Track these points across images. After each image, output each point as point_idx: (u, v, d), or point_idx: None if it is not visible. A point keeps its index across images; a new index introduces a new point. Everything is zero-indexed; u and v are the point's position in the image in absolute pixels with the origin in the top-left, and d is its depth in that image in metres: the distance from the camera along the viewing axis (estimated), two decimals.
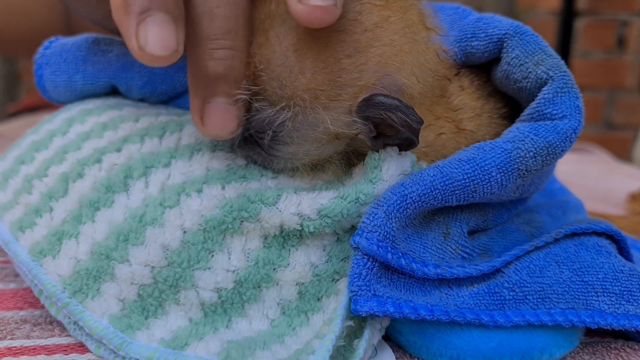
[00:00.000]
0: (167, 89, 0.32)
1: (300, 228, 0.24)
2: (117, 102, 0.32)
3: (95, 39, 0.33)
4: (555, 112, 0.26)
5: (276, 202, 0.25)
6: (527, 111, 0.27)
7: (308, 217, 0.24)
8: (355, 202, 0.24)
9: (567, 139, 0.26)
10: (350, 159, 0.27)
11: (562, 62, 0.28)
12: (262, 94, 0.24)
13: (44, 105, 0.79)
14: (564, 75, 0.27)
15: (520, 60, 0.28)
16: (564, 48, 1.65)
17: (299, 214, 0.24)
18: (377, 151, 0.25)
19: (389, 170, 0.25)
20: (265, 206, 0.24)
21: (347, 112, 0.24)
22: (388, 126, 0.24)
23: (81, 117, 0.30)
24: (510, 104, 0.31)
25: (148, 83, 0.32)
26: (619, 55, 1.76)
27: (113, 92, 0.34)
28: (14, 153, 0.31)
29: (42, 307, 0.27)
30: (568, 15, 1.67)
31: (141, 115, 0.30)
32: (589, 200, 0.57)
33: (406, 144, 0.25)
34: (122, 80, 0.32)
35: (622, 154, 1.81)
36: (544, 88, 0.26)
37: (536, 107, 0.26)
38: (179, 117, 0.30)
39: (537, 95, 0.27)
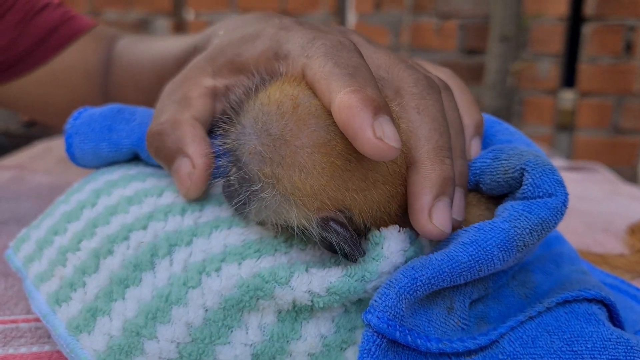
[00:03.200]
0: None
1: (311, 303, 0.27)
2: (140, 172, 0.34)
3: (119, 109, 0.35)
4: (541, 193, 0.28)
5: (289, 281, 0.27)
6: (517, 194, 0.29)
7: (318, 295, 0.27)
8: (362, 280, 0.27)
9: (558, 212, 0.29)
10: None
11: (521, 148, 0.30)
12: (257, 159, 0.26)
13: None
14: (531, 161, 0.29)
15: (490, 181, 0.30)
16: (572, 54, 1.66)
17: (309, 291, 0.27)
18: (326, 249, 0.27)
19: (390, 247, 0.27)
20: (279, 285, 0.27)
21: (307, 219, 0.26)
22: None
23: (108, 189, 0.33)
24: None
25: None
26: (626, 60, 1.76)
27: (135, 157, 0.36)
28: (47, 222, 0.34)
29: None
30: (575, 21, 1.67)
31: (164, 189, 0.32)
32: (590, 231, 0.58)
33: (344, 256, 0.27)
34: (143, 148, 0.34)
35: (630, 158, 1.82)
36: (523, 180, 0.29)
37: (523, 193, 0.29)
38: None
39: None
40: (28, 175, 0.69)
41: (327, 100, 0.26)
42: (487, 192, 0.31)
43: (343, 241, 0.26)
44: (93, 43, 0.62)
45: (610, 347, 0.28)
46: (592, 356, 0.27)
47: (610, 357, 0.27)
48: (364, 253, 0.26)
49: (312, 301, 0.27)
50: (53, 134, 1.05)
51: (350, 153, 0.25)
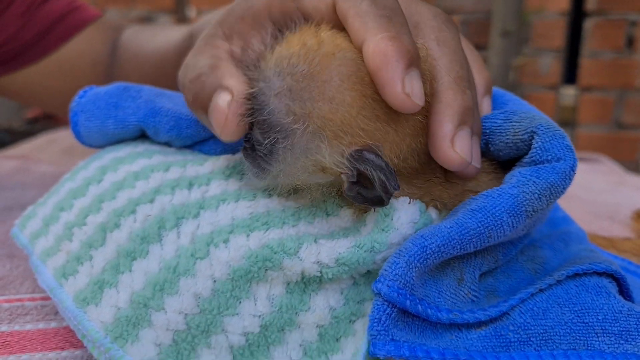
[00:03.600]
0: (192, 134, 0.35)
1: (319, 275, 0.27)
2: (146, 149, 0.34)
3: (125, 87, 0.35)
4: (550, 157, 0.28)
5: (297, 252, 0.27)
6: (524, 159, 0.29)
7: (327, 266, 0.26)
8: (371, 251, 0.26)
9: (567, 177, 0.28)
10: (331, 193, 0.29)
11: (533, 112, 0.30)
12: (285, 99, 0.25)
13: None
14: (542, 124, 0.28)
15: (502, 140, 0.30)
16: (573, 48, 1.66)
17: (318, 262, 0.26)
18: (353, 197, 0.27)
19: (399, 219, 0.27)
20: (288, 256, 0.27)
21: (340, 153, 0.26)
22: (368, 180, 0.26)
23: (114, 166, 0.33)
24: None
25: (174, 127, 0.34)
26: (628, 55, 1.75)
27: (142, 135, 0.36)
28: (53, 199, 0.33)
29: (82, 347, 0.29)
30: (577, 15, 1.67)
31: (170, 164, 0.32)
32: (596, 219, 0.58)
33: (375, 201, 0.26)
34: (150, 124, 0.34)
35: (632, 153, 1.82)
36: (532, 143, 0.28)
37: (531, 157, 0.28)
38: (207, 170, 0.32)
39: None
40: (32, 165, 0.68)
41: (359, 38, 0.25)
42: (495, 153, 0.31)
43: (379, 169, 0.25)
44: (99, 33, 0.62)
45: (622, 319, 0.27)
46: (603, 328, 0.27)
47: (621, 329, 0.27)
48: (399, 187, 0.25)
49: (320, 272, 0.26)
50: (56, 129, 1.05)
51: (368, 82, 0.25)
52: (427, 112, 0.27)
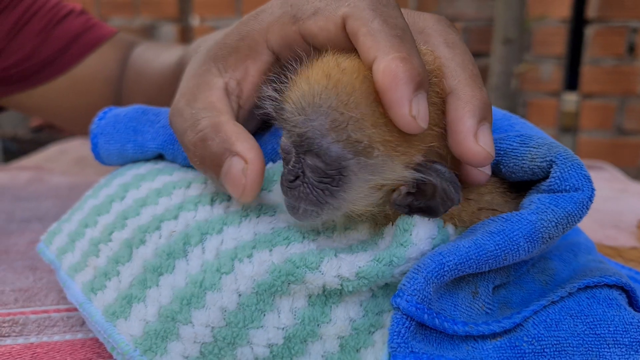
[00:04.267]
0: None
1: (340, 288, 0.28)
2: (166, 166, 0.35)
3: (144, 110, 0.36)
4: (568, 187, 0.29)
5: (319, 266, 0.28)
6: (542, 186, 0.30)
7: (347, 279, 0.27)
8: (389, 265, 0.27)
9: (584, 207, 0.29)
10: (376, 219, 0.30)
11: (550, 140, 0.30)
12: (340, 133, 0.26)
13: None
14: (561, 154, 0.29)
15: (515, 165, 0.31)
16: (575, 55, 1.67)
17: (339, 276, 0.27)
18: (405, 212, 0.28)
19: (418, 234, 0.28)
20: (310, 270, 0.28)
21: (404, 166, 0.27)
22: (424, 191, 0.27)
23: (136, 183, 0.34)
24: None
25: None
26: (629, 62, 1.77)
27: (160, 156, 0.37)
28: (77, 216, 0.34)
29: (109, 357, 0.30)
30: (578, 22, 1.68)
31: (192, 181, 0.33)
32: (602, 227, 0.59)
33: (428, 212, 0.27)
34: (169, 151, 0.35)
35: (634, 159, 1.82)
36: (551, 172, 0.29)
37: (549, 185, 0.29)
38: None
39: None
40: (46, 175, 0.70)
41: (370, 56, 0.25)
42: (507, 174, 0.32)
43: (448, 178, 0.26)
44: (112, 51, 0.63)
45: (632, 330, 0.28)
46: (615, 339, 0.28)
47: (632, 340, 0.28)
48: (461, 200, 0.26)
49: (341, 285, 0.27)
50: (61, 138, 1.06)
51: None
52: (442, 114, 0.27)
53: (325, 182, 0.27)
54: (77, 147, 0.87)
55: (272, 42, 0.30)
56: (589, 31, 1.75)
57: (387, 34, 0.26)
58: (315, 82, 0.26)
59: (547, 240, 0.28)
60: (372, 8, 0.27)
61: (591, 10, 1.74)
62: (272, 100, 0.28)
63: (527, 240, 0.27)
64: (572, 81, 1.72)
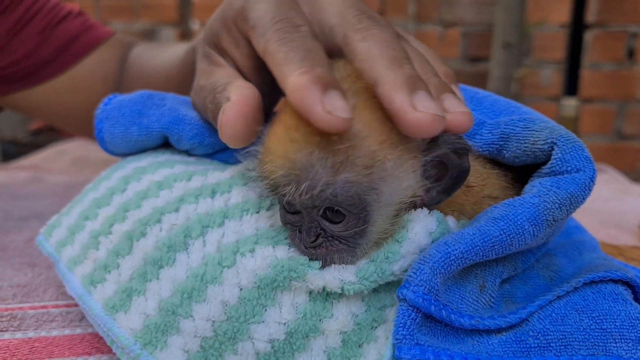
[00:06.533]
0: (214, 142, 0.35)
1: (341, 292, 0.27)
2: (167, 159, 0.35)
3: (150, 94, 0.36)
4: (570, 168, 0.29)
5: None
6: (544, 170, 0.29)
7: (350, 282, 0.27)
8: (385, 261, 0.27)
9: (586, 187, 0.29)
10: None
11: (552, 124, 0.30)
12: (345, 175, 0.25)
13: None
14: (563, 135, 0.29)
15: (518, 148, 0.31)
16: (574, 60, 1.67)
17: (340, 279, 0.27)
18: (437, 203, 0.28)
19: (414, 229, 0.28)
20: (311, 269, 0.27)
21: (413, 155, 0.27)
22: (439, 171, 0.27)
23: (137, 175, 0.33)
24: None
25: (197, 135, 0.35)
26: (628, 67, 1.77)
27: (162, 145, 0.37)
28: (77, 209, 0.34)
29: (109, 352, 0.30)
30: (578, 27, 1.68)
31: (193, 173, 0.33)
32: (604, 227, 0.59)
33: (452, 188, 0.28)
34: (174, 131, 0.35)
35: (633, 163, 1.83)
36: (553, 154, 0.29)
37: (551, 168, 0.29)
38: (227, 176, 0.33)
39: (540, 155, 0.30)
40: (44, 175, 0.69)
41: (284, 85, 0.26)
42: (509, 159, 0.31)
43: (459, 143, 0.26)
44: (110, 51, 0.63)
45: (638, 325, 0.28)
46: (621, 334, 0.28)
47: (638, 335, 0.28)
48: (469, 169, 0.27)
49: (342, 289, 0.27)
50: (60, 140, 1.05)
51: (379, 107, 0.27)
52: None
53: (350, 227, 0.27)
54: (75, 148, 0.87)
55: (232, 34, 0.33)
56: (589, 36, 1.76)
57: (292, 59, 0.27)
58: (289, 153, 0.26)
59: (551, 223, 0.28)
60: (280, 39, 0.28)
61: (590, 15, 1.74)
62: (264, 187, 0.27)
63: (532, 223, 0.27)
64: (571, 86, 1.72)
